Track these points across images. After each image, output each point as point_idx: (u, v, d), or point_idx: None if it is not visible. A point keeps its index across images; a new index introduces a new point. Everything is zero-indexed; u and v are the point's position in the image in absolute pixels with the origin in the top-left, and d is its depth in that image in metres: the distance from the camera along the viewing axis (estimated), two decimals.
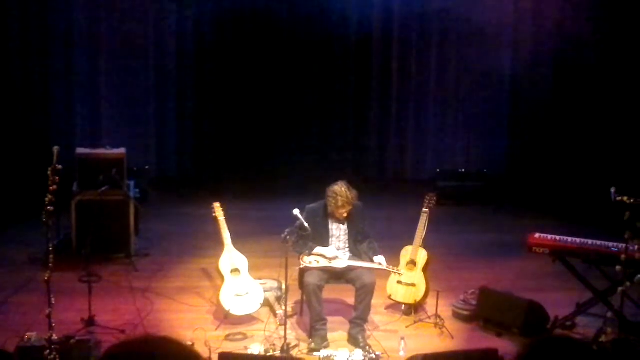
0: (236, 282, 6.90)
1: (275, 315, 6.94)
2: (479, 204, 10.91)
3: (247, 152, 11.67)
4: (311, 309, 6.49)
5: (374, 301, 6.71)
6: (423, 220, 7.03)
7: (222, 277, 6.98)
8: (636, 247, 6.09)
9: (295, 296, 7.00)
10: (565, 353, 2.42)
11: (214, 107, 11.70)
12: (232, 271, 6.94)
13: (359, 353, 6.24)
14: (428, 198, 7.08)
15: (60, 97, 11.17)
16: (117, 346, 2.30)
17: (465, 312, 7.06)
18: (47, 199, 5.65)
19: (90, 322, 6.59)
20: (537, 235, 6.77)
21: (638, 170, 9.63)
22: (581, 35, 11.13)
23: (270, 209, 10.02)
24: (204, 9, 11.44)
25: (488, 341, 6.56)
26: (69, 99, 11.22)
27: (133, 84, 11.37)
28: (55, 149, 5.89)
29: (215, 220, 7.07)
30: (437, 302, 6.89)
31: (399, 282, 7.08)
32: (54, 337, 5.78)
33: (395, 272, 6.82)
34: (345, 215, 6.64)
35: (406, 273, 7.03)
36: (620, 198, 5.96)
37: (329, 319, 6.65)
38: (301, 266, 6.61)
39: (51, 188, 5.66)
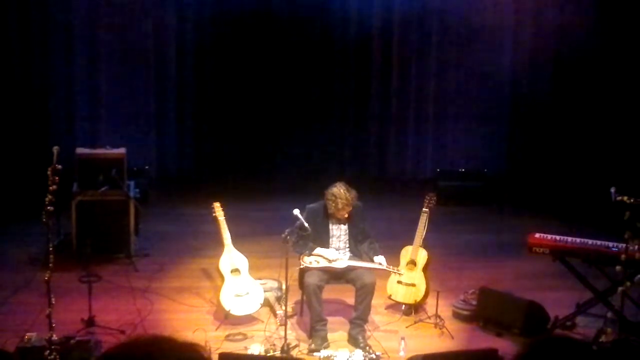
0: (236, 282, 6.90)
1: (275, 315, 6.94)
2: (479, 204, 10.91)
3: (247, 152, 11.67)
4: (311, 309, 6.49)
5: (374, 301, 6.72)
6: (423, 220, 7.03)
7: (222, 277, 6.98)
8: (636, 247, 6.10)
9: (295, 296, 7.00)
10: (565, 353, 2.42)
11: (214, 107, 11.69)
12: (232, 271, 6.94)
13: (359, 353, 6.24)
14: (428, 198, 7.08)
15: (60, 97, 11.16)
16: (117, 347, 2.30)
17: (465, 312, 7.06)
18: (47, 199, 5.66)
19: (90, 322, 6.59)
20: (537, 235, 6.77)
21: (638, 170, 9.63)
22: (581, 35, 11.12)
23: (270, 209, 10.01)
24: (204, 10, 11.43)
25: (488, 341, 6.56)
26: (69, 99, 11.21)
27: (133, 83, 11.36)
28: (55, 148, 5.90)
29: (215, 220, 7.07)
30: (437, 302, 6.89)
31: (399, 282, 7.08)
32: (54, 337, 5.79)
33: (395, 272, 6.82)
34: (345, 216, 6.64)
35: (406, 273, 7.03)
36: (620, 198, 5.97)
37: (329, 319, 6.65)
38: (301, 266, 6.61)
39: (51, 188, 5.66)
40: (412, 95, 11.96)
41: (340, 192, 6.50)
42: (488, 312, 6.90)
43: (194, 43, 11.54)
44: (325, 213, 6.66)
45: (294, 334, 6.65)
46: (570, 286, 6.96)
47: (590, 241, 6.58)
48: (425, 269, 7.10)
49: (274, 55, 11.50)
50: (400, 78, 11.92)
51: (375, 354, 6.25)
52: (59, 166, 5.74)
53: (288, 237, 6.30)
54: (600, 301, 6.62)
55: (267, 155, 11.70)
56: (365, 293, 6.50)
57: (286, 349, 6.23)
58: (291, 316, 6.93)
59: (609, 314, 6.46)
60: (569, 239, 6.66)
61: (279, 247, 6.53)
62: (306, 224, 6.43)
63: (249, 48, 11.45)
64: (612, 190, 6.03)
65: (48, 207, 5.66)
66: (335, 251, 6.66)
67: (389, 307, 7.26)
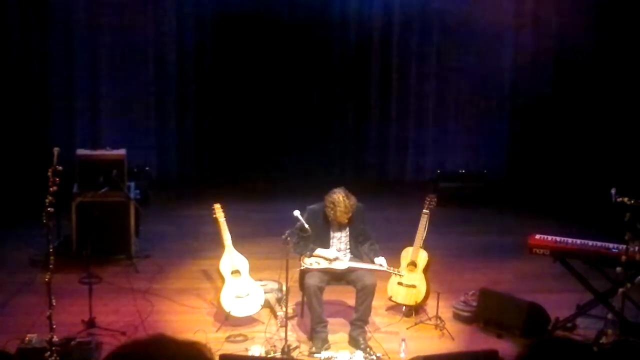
0: (237, 284, 6.90)
1: (275, 316, 6.94)
2: (480, 205, 10.89)
3: (247, 153, 11.66)
4: (312, 310, 6.49)
5: (374, 303, 6.72)
6: (423, 222, 7.02)
7: (222, 279, 6.98)
8: (637, 248, 6.10)
9: (295, 297, 7.00)
10: (566, 354, 2.42)
11: (214, 108, 11.68)
12: (232, 272, 6.94)
13: (359, 354, 6.24)
14: (428, 199, 7.08)
15: (61, 98, 11.16)
16: (121, 347, 2.30)
17: (466, 314, 7.06)
18: (47, 200, 5.66)
19: (90, 323, 6.59)
20: (537, 236, 6.77)
21: (638, 171, 9.62)
22: (581, 37, 11.12)
23: (270, 210, 10.00)
24: (204, 12, 11.43)
25: (488, 342, 6.56)
26: (69, 100, 11.20)
27: (133, 84, 11.35)
28: (56, 150, 5.90)
29: (215, 221, 7.08)
30: (437, 303, 6.89)
31: (400, 284, 7.08)
32: (55, 338, 5.79)
33: (395, 274, 6.82)
34: (345, 221, 6.63)
35: (407, 274, 7.03)
36: (620, 199, 5.97)
37: (330, 320, 6.65)
38: (302, 267, 6.61)
39: (51, 189, 5.66)
40: (412, 97, 11.95)
41: (339, 199, 6.47)
42: (488, 313, 6.90)
43: (194, 44, 11.53)
44: (326, 214, 6.66)
45: (294, 336, 6.65)
46: (571, 287, 6.96)
47: (590, 242, 6.58)
48: (425, 271, 7.10)
49: (274, 57, 11.49)
50: (400, 79, 11.91)
51: (375, 356, 6.25)
52: (59, 167, 5.74)
53: (288, 239, 6.30)
54: (600, 302, 6.62)
55: (267, 156, 11.69)
56: (365, 294, 6.50)
57: (287, 350, 6.23)
58: (292, 317, 6.93)
59: (610, 316, 6.46)
60: (570, 240, 6.66)
61: (279, 248, 6.53)
62: (306, 225, 6.43)
63: (249, 50, 11.45)
64: (613, 191, 6.03)
65: (48, 209, 5.66)
66: (336, 250, 6.66)
67: (389, 308, 7.26)
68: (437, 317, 6.88)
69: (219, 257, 7.07)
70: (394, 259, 7.02)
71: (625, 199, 5.94)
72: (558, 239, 6.69)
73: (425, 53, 11.81)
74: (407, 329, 6.87)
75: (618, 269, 6.08)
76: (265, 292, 7.03)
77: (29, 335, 6.09)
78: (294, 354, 6.31)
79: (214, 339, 6.49)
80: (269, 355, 6.24)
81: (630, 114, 10.72)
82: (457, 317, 7.09)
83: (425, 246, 7.10)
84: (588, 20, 11.14)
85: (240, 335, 6.65)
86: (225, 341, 6.53)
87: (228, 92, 11.57)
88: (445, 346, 6.59)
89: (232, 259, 6.98)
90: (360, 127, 12.00)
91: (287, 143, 11.70)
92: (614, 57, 10.89)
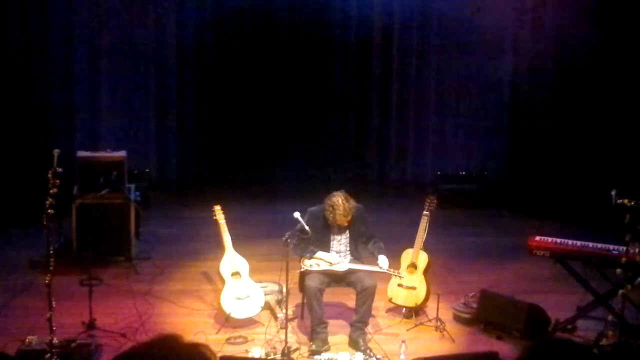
0: (237, 285, 6.90)
1: (276, 318, 6.94)
2: (480, 206, 10.90)
3: (248, 155, 11.66)
4: (312, 312, 6.49)
5: (374, 304, 6.72)
6: (423, 223, 7.02)
7: (222, 280, 6.98)
8: (637, 249, 6.09)
9: (296, 299, 7.00)
10: (566, 356, 2.42)
11: (215, 110, 11.69)
12: (232, 274, 6.94)
13: (359, 356, 6.24)
14: (428, 201, 7.08)
15: (61, 99, 11.16)
16: (133, 347, 2.31)
17: (466, 315, 7.06)
18: (47, 202, 5.66)
19: (91, 325, 6.58)
20: (537, 237, 6.77)
21: (638, 173, 9.62)
22: (581, 40, 11.13)
23: (270, 212, 10.01)
24: (204, 13, 11.43)
25: (489, 344, 6.56)
26: (69, 102, 11.21)
27: (133, 86, 11.36)
28: (56, 151, 5.90)
29: (215, 223, 7.08)
30: (437, 305, 6.89)
31: (400, 285, 7.08)
32: (55, 340, 5.79)
33: (396, 275, 6.82)
34: (345, 224, 6.63)
35: (407, 276, 7.03)
36: (620, 201, 5.97)
37: (330, 322, 6.65)
38: (302, 269, 6.61)
39: (52, 191, 5.66)
40: (412, 98, 11.96)
41: (338, 203, 6.47)
42: (489, 315, 6.90)
43: (194, 46, 11.54)
44: (326, 216, 6.65)
45: (294, 337, 6.64)
46: (571, 289, 6.96)
47: (590, 244, 6.58)
48: (425, 272, 7.10)
49: (274, 59, 11.50)
50: (400, 81, 11.92)
51: (376, 357, 6.25)
52: (60, 169, 5.74)
53: (289, 240, 6.30)
54: (601, 304, 6.61)
55: (268, 158, 11.69)
56: (365, 296, 6.50)
57: (287, 352, 6.22)
58: (292, 319, 6.92)
59: (610, 317, 6.45)
60: (570, 241, 6.66)
61: (279, 250, 6.52)
62: (307, 227, 6.42)
63: (249, 51, 11.45)
64: (613, 193, 6.03)
65: (48, 210, 5.67)
66: (336, 255, 6.65)
67: (389, 310, 7.26)
68: (437, 318, 6.88)
69: (219, 258, 7.07)
70: (394, 260, 7.01)
71: (626, 201, 5.94)
72: (558, 240, 6.69)
73: (426, 54, 11.81)
74: (407, 330, 6.87)
75: (618, 270, 6.08)
76: (265, 294, 7.03)
77: (29, 337, 6.09)
78: (294, 355, 6.31)
79: (214, 340, 6.48)
80: (269, 357, 6.24)
81: (630, 116, 10.72)
82: (457, 318, 7.09)
83: (426, 248, 7.11)
84: (588, 22, 11.14)
85: (240, 337, 6.65)
86: (225, 343, 6.53)
87: (228, 93, 11.58)
88: (445, 348, 6.58)
89: (232, 260, 6.98)
90: (360, 128, 12.01)
91: (288, 144, 11.70)
92: (614, 59, 10.89)
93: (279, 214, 8.71)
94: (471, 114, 11.93)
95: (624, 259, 6.04)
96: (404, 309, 7.11)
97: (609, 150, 10.78)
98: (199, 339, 6.34)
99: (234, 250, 7.02)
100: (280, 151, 11.71)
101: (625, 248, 6.07)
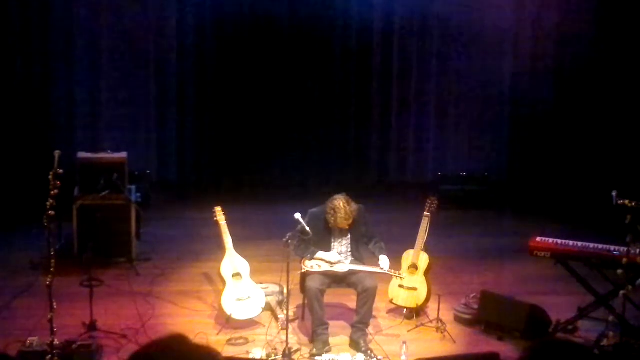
0: (238, 287, 6.90)
1: (277, 319, 6.94)
2: (481, 207, 10.91)
3: (248, 156, 11.67)
4: (313, 313, 6.49)
5: (375, 305, 6.71)
6: (424, 224, 7.02)
7: (223, 282, 6.98)
8: (638, 250, 6.09)
9: (296, 300, 7.00)
10: (567, 357, 2.42)
11: (215, 111, 11.70)
12: (233, 275, 6.94)
13: (360, 357, 6.24)
14: (429, 202, 7.08)
15: (61, 101, 11.17)
16: (144, 347, 2.32)
17: (467, 316, 7.05)
18: (48, 204, 5.66)
19: (91, 326, 6.58)
20: (538, 238, 6.76)
21: (639, 173, 9.62)
22: (582, 40, 11.13)
23: (271, 213, 10.01)
24: (204, 15, 11.44)
25: (489, 345, 6.56)
26: (69, 103, 11.22)
27: (134, 87, 11.37)
28: (57, 153, 5.90)
29: (216, 224, 7.08)
30: (438, 306, 6.89)
31: (401, 286, 7.07)
32: (56, 341, 5.79)
33: (396, 276, 6.82)
34: (346, 227, 6.62)
35: (408, 277, 7.02)
36: (621, 201, 5.96)
37: (331, 323, 6.65)
38: (303, 270, 6.61)
39: (52, 192, 5.66)
40: (413, 99, 11.96)
41: (340, 206, 6.46)
42: (489, 316, 6.90)
43: (194, 47, 11.55)
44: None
45: (295, 338, 6.64)
46: (572, 290, 6.95)
47: (591, 245, 6.58)
48: (426, 273, 7.10)
49: (275, 59, 11.50)
50: (401, 82, 11.93)
51: (377, 358, 6.25)
52: (60, 170, 5.74)
53: (289, 241, 6.29)
54: (602, 305, 6.61)
55: (268, 159, 11.69)
56: (366, 297, 6.49)
57: (288, 353, 6.22)
58: (293, 320, 6.92)
59: (611, 318, 6.45)
60: (571, 242, 6.65)
61: (280, 251, 6.51)
62: (307, 228, 6.42)
63: (250, 52, 11.46)
64: (614, 193, 6.03)
65: (49, 212, 5.67)
66: (337, 254, 6.65)
67: (390, 311, 7.26)
68: (438, 319, 6.87)
69: (219, 260, 7.07)
70: (395, 261, 7.01)
71: (627, 202, 5.93)
72: (559, 241, 6.68)
73: (426, 56, 11.82)
74: (408, 331, 6.87)
75: (619, 271, 6.07)
76: (266, 295, 7.03)
77: (30, 338, 6.09)
78: (295, 356, 6.31)
79: (215, 342, 6.48)
80: (270, 358, 6.24)
81: (631, 117, 10.72)
82: (458, 319, 7.09)
83: (427, 249, 7.10)
84: (588, 26, 11.15)
85: (241, 338, 6.65)
86: (226, 344, 6.52)
87: (228, 94, 11.58)
88: (446, 349, 6.58)
89: (233, 261, 6.98)
90: (361, 129, 12.01)
91: (288, 145, 11.70)
92: (615, 61, 10.90)
93: (279, 215, 8.71)
94: (472, 115, 11.93)
95: (625, 260, 6.03)
96: (405, 309, 7.11)
97: (610, 150, 10.78)
98: (200, 340, 6.34)
99: (234, 252, 7.02)
100: (281, 152, 11.71)
101: (626, 249, 6.07)
